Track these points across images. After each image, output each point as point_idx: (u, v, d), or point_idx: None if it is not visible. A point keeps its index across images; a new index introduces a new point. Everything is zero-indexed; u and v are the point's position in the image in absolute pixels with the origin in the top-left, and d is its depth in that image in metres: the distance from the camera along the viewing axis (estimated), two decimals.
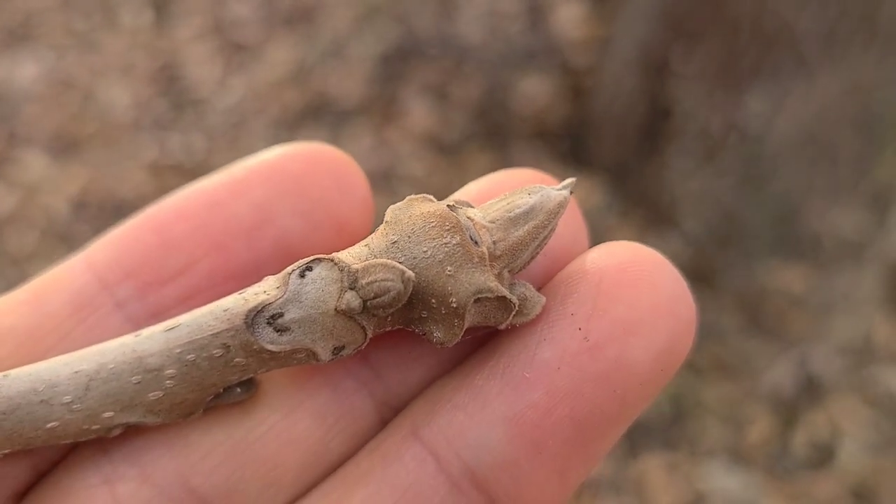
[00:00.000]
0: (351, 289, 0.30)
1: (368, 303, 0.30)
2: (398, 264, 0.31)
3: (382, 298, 0.30)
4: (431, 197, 0.33)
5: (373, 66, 1.76)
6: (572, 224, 0.34)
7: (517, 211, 0.32)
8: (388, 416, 0.34)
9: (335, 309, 0.30)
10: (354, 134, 1.65)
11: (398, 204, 0.33)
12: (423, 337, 0.32)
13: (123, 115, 1.71)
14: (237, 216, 0.34)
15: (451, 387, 0.33)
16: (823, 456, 1.26)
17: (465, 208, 0.33)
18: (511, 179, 0.35)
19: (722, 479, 1.23)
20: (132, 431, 0.33)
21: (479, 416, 0.31)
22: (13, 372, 0.32)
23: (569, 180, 0.33)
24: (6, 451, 0.32)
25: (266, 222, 0.34)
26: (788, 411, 1.30)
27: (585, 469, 0.32)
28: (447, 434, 0.32)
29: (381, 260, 0.31)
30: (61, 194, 1.58)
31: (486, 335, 0.34)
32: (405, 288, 0.30)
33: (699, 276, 1.41)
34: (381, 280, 0.30)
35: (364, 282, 0.30)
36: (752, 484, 1.23)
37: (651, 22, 1.52)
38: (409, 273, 0.30)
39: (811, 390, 1.32)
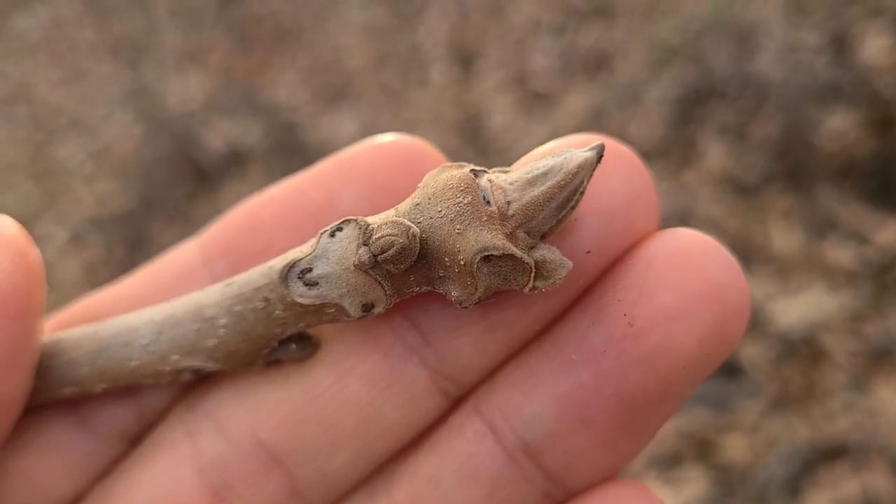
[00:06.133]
0: (364, 245, 0.32)
1: (378, 258, 0.31)
2: (405, 221, 0.32)
3: (389, 253, 0.31)
4: (467, 164, 0.33)
5: (669, 109, 1.77)
6: (644, 208, 0.34)
7: (535, 172, 0.32)
8: (444, 385, 0.36)
9: (353, 264, 0.32)
10: (652, 177, 1.65)
11: (434, 170, 0.33)
12: (447, 298, 0.33)
13: None
14: (312, 201, 0.37)
15: (510, 366, 0.35)
16: None
17: (493, 172, 0.33)
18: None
19: None
20: (210, 387, 0.38)
21: (533, 394, 0.34)
22: (109, 321, 0.37)
23: (597, 142, 0.32)
24: (103, 387, 0.37)
25: (333, 206, 0.37)
26: None
27: (636, 444, 0.34)
28: (504, 410, 0.34)
29: (393, 218, 0.32)
30: None
31: (528, 304, 0.35)
32: (409, 242, 0.31)
33: None
34: (388, 235, 0.31)
35: (374, 237, 0.32)
36: None
37: None
38: (415, 229, 0.31)
39: None
